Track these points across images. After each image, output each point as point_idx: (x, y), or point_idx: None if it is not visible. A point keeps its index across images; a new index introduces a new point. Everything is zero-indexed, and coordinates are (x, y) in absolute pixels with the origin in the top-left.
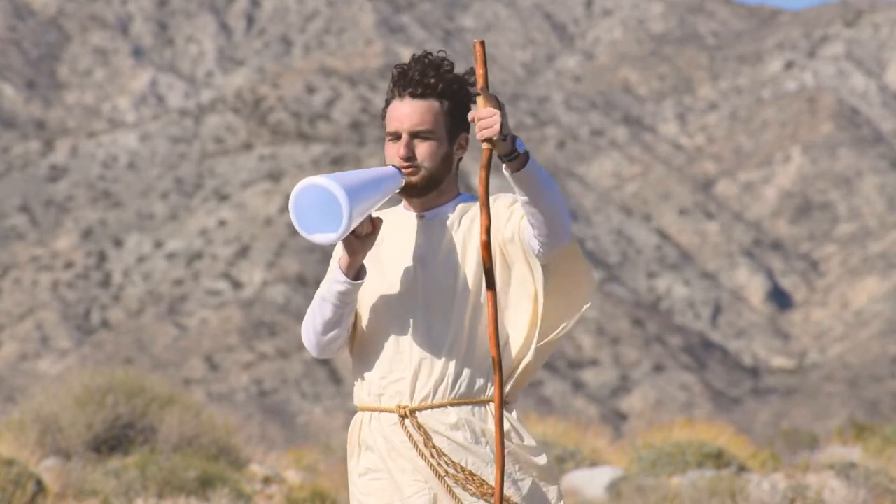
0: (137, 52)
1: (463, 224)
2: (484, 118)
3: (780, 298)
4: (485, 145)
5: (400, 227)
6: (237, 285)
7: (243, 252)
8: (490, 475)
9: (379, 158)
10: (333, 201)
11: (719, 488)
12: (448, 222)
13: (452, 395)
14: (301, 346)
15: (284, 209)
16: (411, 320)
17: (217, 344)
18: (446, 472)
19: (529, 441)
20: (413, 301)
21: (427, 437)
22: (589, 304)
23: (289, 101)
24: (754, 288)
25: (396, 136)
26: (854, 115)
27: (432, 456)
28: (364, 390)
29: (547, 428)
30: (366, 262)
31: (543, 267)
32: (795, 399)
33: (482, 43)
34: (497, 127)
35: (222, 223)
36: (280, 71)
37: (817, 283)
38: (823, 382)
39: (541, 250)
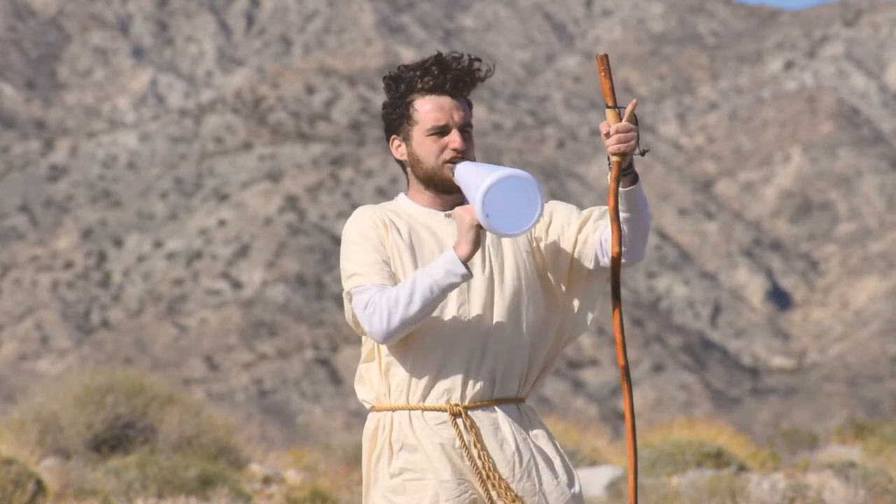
0: (137, 52)
1: None
2: (622, 132)
3: (779, 298)
4: (615, 158)
5: (430, 226)
6: (237, 285)
7: (243, 252)
8: (531, 479)
9: (379, 158)
10: (503, 191)
11: (719, 488)
12: None
13: (500, 394)
14: (301, 346)
15: (284, 209)
16: (457, 320)
17: (217, 344)
18: (489, 476)
19: (555, 441)
20: (457, 301)
21: (477, 437)
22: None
23: (288, 101)
24: (754, 288)
25: (443, 131)
26: (854, 115)
27: (479, 457)
28: (399, 390)
29: None
30: (403, 263)
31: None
32: (795, 399)
33: (605, 56)
34: (634, 143)
35: (222, 223)
36: (280, 71)
37: (817, 282)
38: (823, 382)
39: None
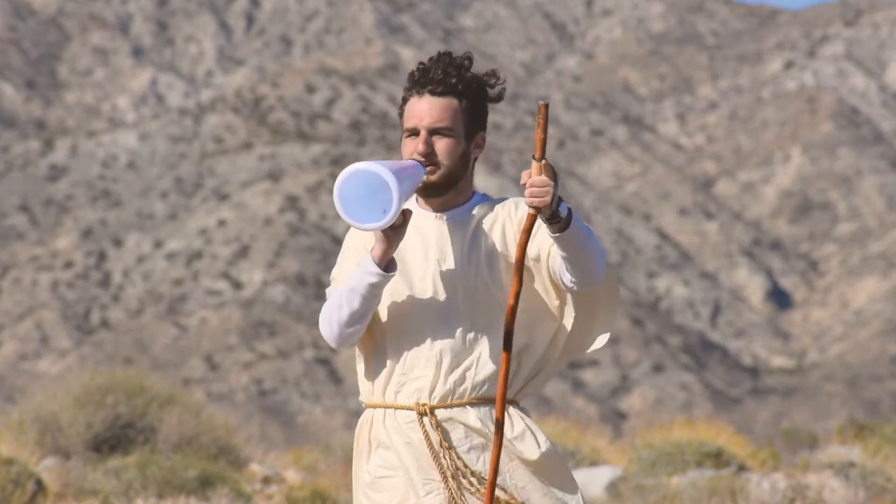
0: (137, 52)
1: (484, 226)
2: (536, 186)
3: (779, 298)
4: (530, 211)
5: (419, 226)
6: (237, 285)
7: (243, 252)
8: (506, 477)
9: (379, 158)
10: (378, 188)
11: (719, 488)
12: (469, 224)
13: (472, 395)
14: (301, 346)
15: (284, 209)
16: (433, 320)
17: (217, 344)
18: (460, 474)
19: (546, 445)
20: (435, 301)
21: (444, 437)
22: (607, 338)
23: (289, 100)
24: (754, 288)
25: (414, 133)
26: (854, 114)
27: (446, 457)
28: (378, 388)
29: (547, 427)
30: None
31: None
32: (795, 399)
33: (546, 106)
34: (548, 199)
35: (222, 223)
36: (280, 71)
37: (817, 282)
38: (823, 382)
39: (571, 288)
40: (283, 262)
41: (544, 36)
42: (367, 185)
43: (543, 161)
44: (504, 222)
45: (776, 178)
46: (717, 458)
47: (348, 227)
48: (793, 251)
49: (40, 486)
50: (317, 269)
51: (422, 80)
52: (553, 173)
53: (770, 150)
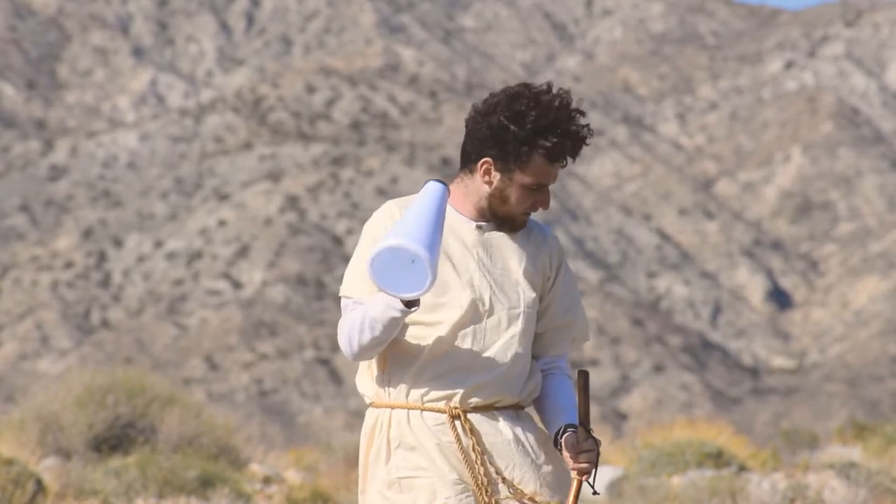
0: (137, 52)
1: (526, 249)
2: (587, 451)
3: (780, 298)
4: (578, 477)
5: (460, 234)
6: (237, 285)
7: (243, 252)
8: (530, 483)
9: (379, 158)
10: (410, 258)
11: (719, 488)
12: (509, 239)
13: (503, 400)
14: (301, 346)
15: (284, 209)
16: (468, 326)
17: (217, 344)
18: (489, 479)
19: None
20: (471, 307)
21: (477, 441)
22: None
23: (289, 100)
24: (754, 288)
25: (538, 188)
26: (854, 114)
27: (478, 462)
28: (403, 388)
29: None
30: None
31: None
32: (795, 399)
33: (586, 375)
34: (595, 461)
35: (222, 223)
36: (280, 71)
37: (817, 282)
38: (823, 382)
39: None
40: (283, 262)
41: (544, 36)
42: (398, 256)
43: (590, 428)
44: (549, 258)
45: (776, 178)
46: (718, 459)
47: (349, 227)
48: (793, 251)
49: (40, 487)
50: (317, 269)
51: (557, 157)
52: (594, 437)
53: (770, 150)
